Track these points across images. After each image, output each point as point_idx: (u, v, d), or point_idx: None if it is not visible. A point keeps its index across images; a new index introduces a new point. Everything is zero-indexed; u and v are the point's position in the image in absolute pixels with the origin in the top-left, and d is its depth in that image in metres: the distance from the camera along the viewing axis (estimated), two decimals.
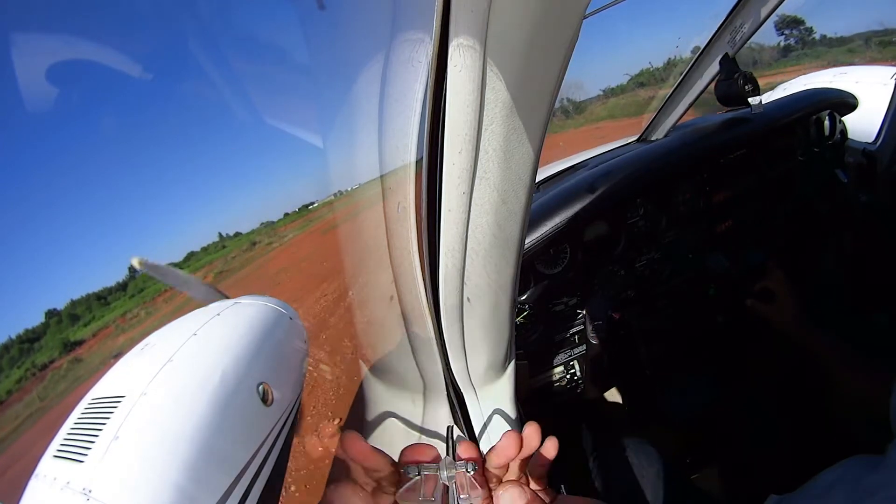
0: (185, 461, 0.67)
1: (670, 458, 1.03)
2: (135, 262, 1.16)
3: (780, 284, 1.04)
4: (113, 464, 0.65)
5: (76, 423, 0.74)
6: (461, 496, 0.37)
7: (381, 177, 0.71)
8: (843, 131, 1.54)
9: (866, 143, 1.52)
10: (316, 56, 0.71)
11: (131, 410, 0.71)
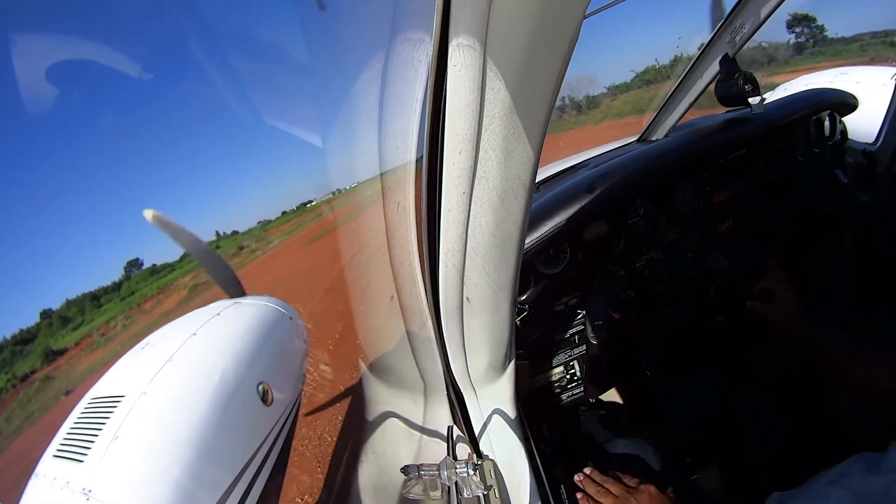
0: (186, 461, 0.67)
1: (670, 458, 1.03)
2: (147, 215, 1.15)
3: (780, 284, 1.04)
4: (113, 463, 0.65)
5: (76, 423, 0.74)
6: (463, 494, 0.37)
7: (381, 175, 0.71)
8: (844, 132, 1.54)
9: (866, 143, 1.52)
10: (316, 56, 0.71)
11: (131, 410, 0.71)
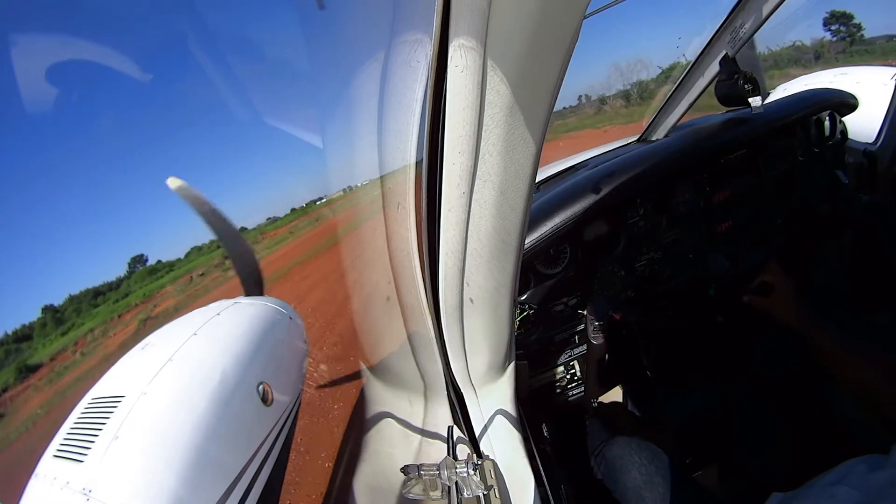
0: (186, 461, 0.67)
1: (670, 457, 1.03)
2: (172, 185, 1.07)
3: (780, 281, 1.04)
4: (113, 463, 0.65)
5: (76, 423, 0.73)
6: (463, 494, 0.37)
7: (381, 177, 0.71)
8: (844, 132, 1.54)
9: (867, 143, 1.52)
10: (316, 56, 0.71)
11: (131, 410, 0.71)
